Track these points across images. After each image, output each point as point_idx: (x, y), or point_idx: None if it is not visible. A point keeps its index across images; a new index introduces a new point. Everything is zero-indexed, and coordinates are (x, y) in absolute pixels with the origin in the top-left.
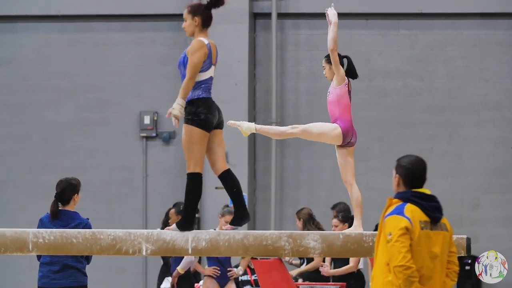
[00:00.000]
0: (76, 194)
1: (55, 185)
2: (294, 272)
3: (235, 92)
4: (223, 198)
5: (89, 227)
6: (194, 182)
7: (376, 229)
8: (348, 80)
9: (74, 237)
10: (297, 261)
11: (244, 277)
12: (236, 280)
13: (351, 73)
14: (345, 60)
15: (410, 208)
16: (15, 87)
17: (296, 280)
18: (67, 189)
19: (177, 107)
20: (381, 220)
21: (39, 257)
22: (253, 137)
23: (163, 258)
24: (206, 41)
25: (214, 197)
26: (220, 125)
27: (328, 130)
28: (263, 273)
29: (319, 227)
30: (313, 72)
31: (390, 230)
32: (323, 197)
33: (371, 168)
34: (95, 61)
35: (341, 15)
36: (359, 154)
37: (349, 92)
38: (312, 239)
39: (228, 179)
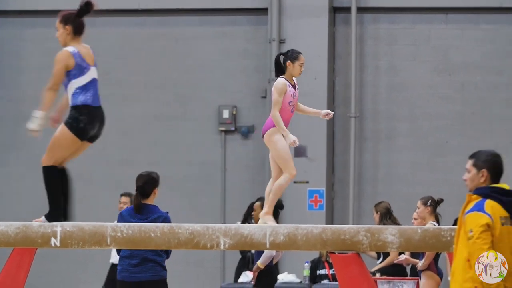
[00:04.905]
0: (156, 188)
1: (134, 180)
2: (372, 268)
3: (314, 86)
4: (302, 192)
5: (169, 221)
6: (50, 175)
7: (455, 224)
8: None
9: (152, 231)
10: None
11: (322, 271)
12: (314, 274)
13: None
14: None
15: (490, 204)
16: None
17: (374, 275)
18: (148, 183)
19: (34, 120)
20: (461, 216)
21: (119, 250)
22: (331, 131)
23: (241, 252)
24: (72, 49)
25: (293, 192)
26: (92, 139)
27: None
28: (340, 267)
29: (395, 222)
30: (392, 66)
31: (471, 226)
32: (401, 192)
33: (449, 163)
34: (174, 56)
35: (421, 9)
36: (438, 149)
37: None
38: (390, 233)
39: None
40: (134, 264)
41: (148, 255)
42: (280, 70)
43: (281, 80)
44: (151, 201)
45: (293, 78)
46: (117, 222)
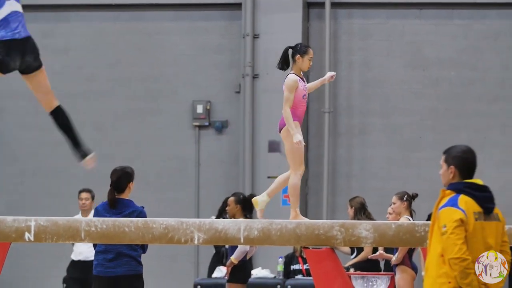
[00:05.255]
0: (131, 182)
1: (108, 174)
2: (346, 263)
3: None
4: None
5: (144, 215)
6: None
7: (429, 219)
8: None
9: (126, 226)
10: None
11: (296, 266)
12: (287, 269)
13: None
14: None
15: (464, 200)
16: (69, 76)
17: (348, 270)
18: (123, 177)
19: None
20: (435, 211)
21: (95, 245)
22: (305, 127)
23: (215, 247)
24: None
25: (267, 187)
26: (27, 69)
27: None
28: (314, 262)
29: (370, 217)
30: (366, 61)
31: (445, 222)
32: (375, 187)
33: (424, 158)
34: (148, 51)
35: (395, 5)
36: (411, 144)
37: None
38: (364, 228)
39: (58, 117)
40: (109, 259)
41: (123, 249)
42: (285, 63)
43: (291, 76)
44: (127, 195)
45: (301, 72)
46: (93, 216)
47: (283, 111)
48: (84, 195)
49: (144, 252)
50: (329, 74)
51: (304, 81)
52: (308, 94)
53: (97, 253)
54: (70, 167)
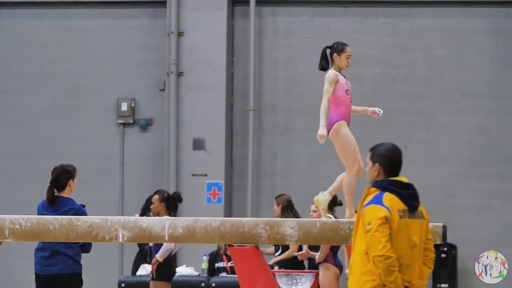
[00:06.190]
0: (71, 180)
1: (32, 171)
2: (270, 260)
3: (213, 79)
4: (200, 185)
5: (82, 213)
6: None
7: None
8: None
9: (51, 224)
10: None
11: (220, 264)
12: (212, 267)
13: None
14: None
15: (389, 197)
16: None
17: (272, 268)
18: (62, 175)
19: None
20: (359, 209)
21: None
22: (230, 124)
23: (139, 245)
24: None
25: (191, 184)
26: None
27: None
28: (239, 260)
29: (296, 215)
30: (291, 59)
31: (369, 219)
32: (300, 185)
33: None
34: (73, 48)
35: (320, 3)
36: None
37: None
38: (289, 226)
39: None
40: (46, 256)
41: (59, 248)
42: (326, 62)
43: (331, 71)
44: (67, 193)
45: (341, 70)
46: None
47: (322, 104)
48: None
49: (88, 251)
50: (372, 109)
51: (346, 78)
52: (232, 94)
53: (36, 251)
54: None
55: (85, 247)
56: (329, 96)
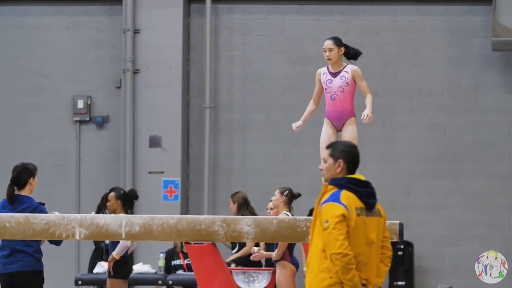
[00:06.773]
0: (31, 178)
1: None
2: (228, 258)
3: (169, 77)
4: (157, 182)
5: (40, 211)
6: None
7: (310, 215)
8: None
9: (7, 221)
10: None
11: (177, 262)
12: (168, 265)
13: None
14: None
15: (346, 195)
16: None
17: (229, 265)
18: (22, 173)
19: None
20: (317, 206)
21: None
22: (186, 122)
23: (95, 242)
24: None
25: (148, 182)
26: None
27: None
28: (196, 258)
29: (252, 213)
30: (247, 57)
31: (327, 217)
32: (256, 183)
33: (304, 154)
34: (28, 45)
35: (275, 0)
36: (292, 140)
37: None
38: (246, 224)
39: None
40: (6, 255)
41: (18, 245)
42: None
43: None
44: (27, 192)
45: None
46: None
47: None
48: None
49: (57, 244)
50: (362, 115)
51: (332, 76)
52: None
53: None
54: None
55: (55, 240)
56: (314, 94)
